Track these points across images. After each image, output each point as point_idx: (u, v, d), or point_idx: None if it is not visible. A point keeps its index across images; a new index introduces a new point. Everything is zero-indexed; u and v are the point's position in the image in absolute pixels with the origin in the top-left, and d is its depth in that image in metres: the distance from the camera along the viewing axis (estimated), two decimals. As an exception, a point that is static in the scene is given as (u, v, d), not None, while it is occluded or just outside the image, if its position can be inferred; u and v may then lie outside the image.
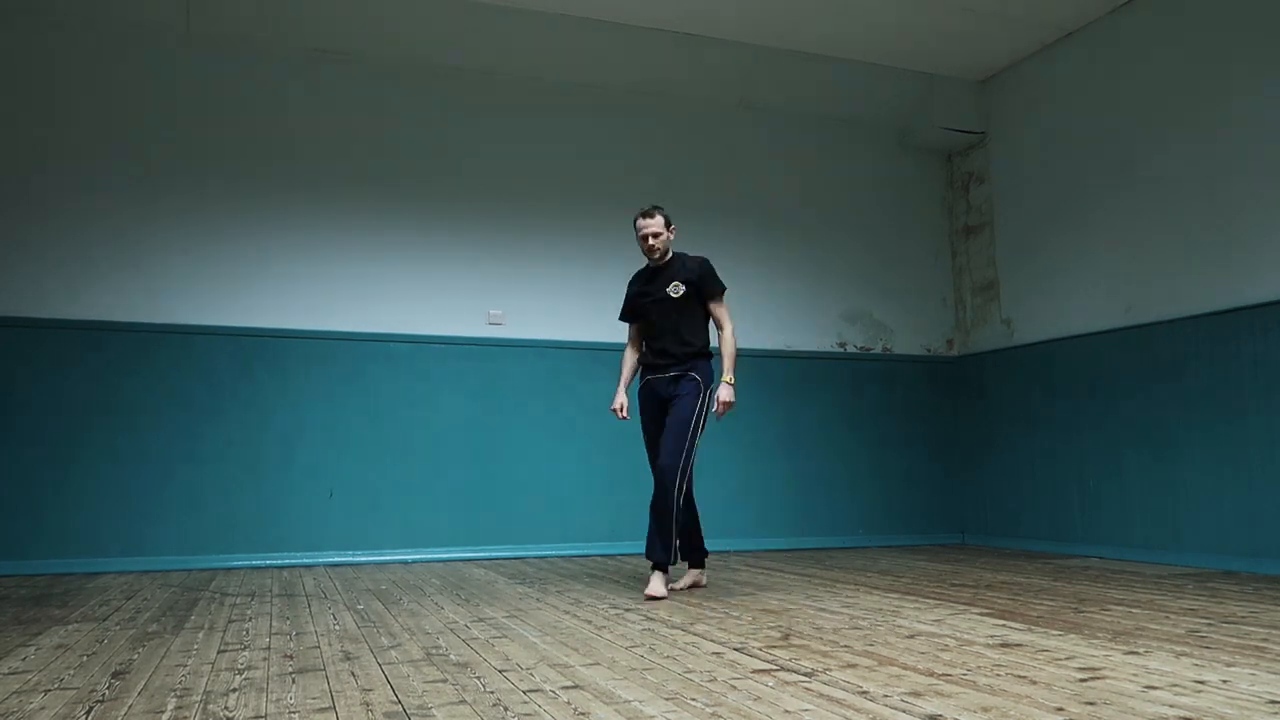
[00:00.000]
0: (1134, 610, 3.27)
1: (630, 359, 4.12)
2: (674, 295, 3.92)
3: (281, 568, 4.97)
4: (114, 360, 5.00)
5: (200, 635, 2.90)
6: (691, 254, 4.07)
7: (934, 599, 3.63)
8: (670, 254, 4.03)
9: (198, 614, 3.34)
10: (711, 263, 4.02)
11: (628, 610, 3.36)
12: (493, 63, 5.81)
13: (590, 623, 3.08)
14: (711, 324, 4.02)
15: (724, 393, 3.82)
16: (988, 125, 6.54)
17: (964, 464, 6.55)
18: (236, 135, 5.39)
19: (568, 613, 3.30)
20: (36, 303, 4.92)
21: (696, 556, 4.04)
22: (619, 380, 4.11)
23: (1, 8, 5.04)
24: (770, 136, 6.49)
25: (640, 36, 5.78)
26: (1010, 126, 6.36)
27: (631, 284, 4.14)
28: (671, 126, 6.26)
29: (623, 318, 4.18)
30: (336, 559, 5.15)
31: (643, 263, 4.16)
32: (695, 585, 4.02)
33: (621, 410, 4.02)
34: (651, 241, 3.94)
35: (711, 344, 4.02)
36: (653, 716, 1.88)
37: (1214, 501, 4.75)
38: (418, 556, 5.29)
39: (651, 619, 3.15)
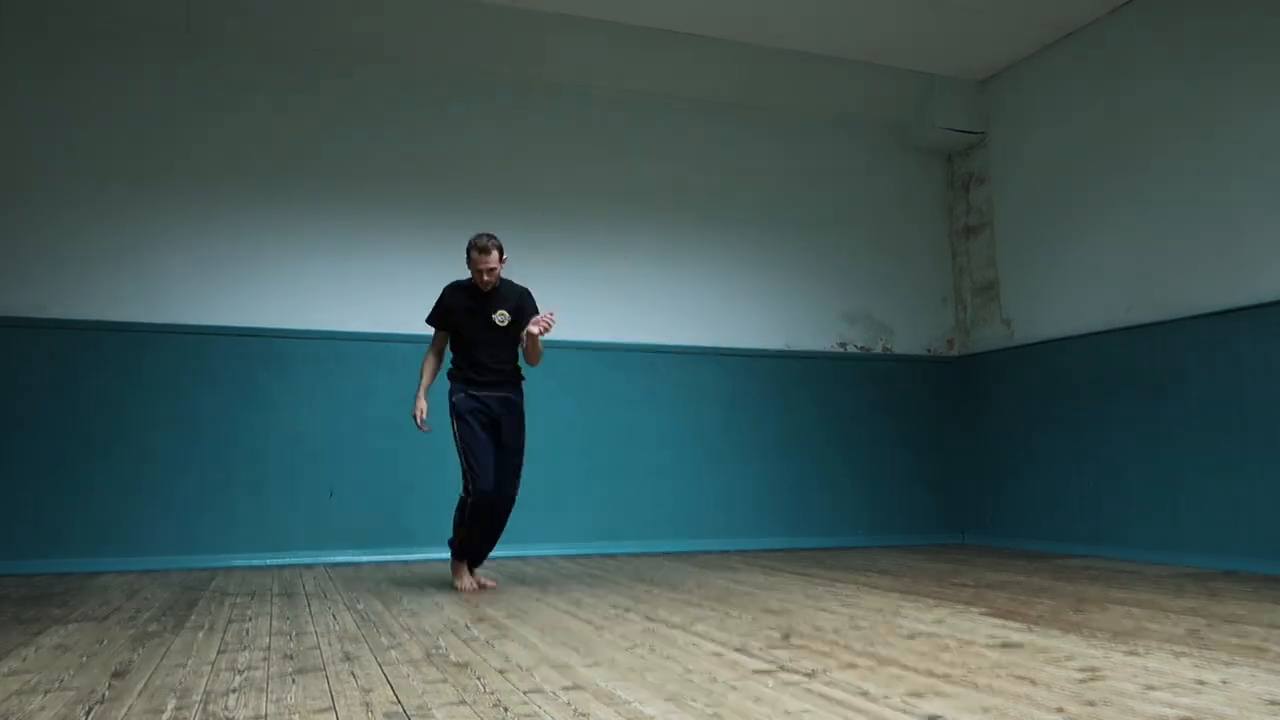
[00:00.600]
0: (1134, 610, 3.27)
1: (432, 367, 4.17)
2: (500, 324, 4.09)
3: (281, 568, 4.97)
4: (114, 360, 4.99)
5: (200, 635, 2.90)
6: (516, 282, 4.23)
7: (934, 599, 3.63)
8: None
9: (198, 614, 3.34)
10: (533, 296, 4.22)
11: (628, 610, 3.36)
12: (492, 63, 5.81)
13: (590, 623, 3.08)
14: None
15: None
16: (988, 125, 6.54)
17: (964, 464, 6.55)
18: (237, 135, 5.39)
19: (568, 613, 3.30)
20: (36, 303, 4.92)
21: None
22: (419, 386, 4.14)
23: (0, 7, 5.04)
24: (770, 136, 6.49)
25: (641, 37, 5.78)
26: (1010, 126, 6.36)
27: (451, 295, 4.16)
28: (672, 127, 6.26)
29: (432, 322, 4.19)
30: (336, 559, 5.15)
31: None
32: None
33: (421, 416, 4.07)
34: (487, 277, 4.05)
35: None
36: (653, 716, 1.88)
37: (1214, 501, 4.75)
38: (418, 556, 5.28)
39: (651, 619, 3.15)
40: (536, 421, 5.70)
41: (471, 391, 4.06)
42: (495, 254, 4.04)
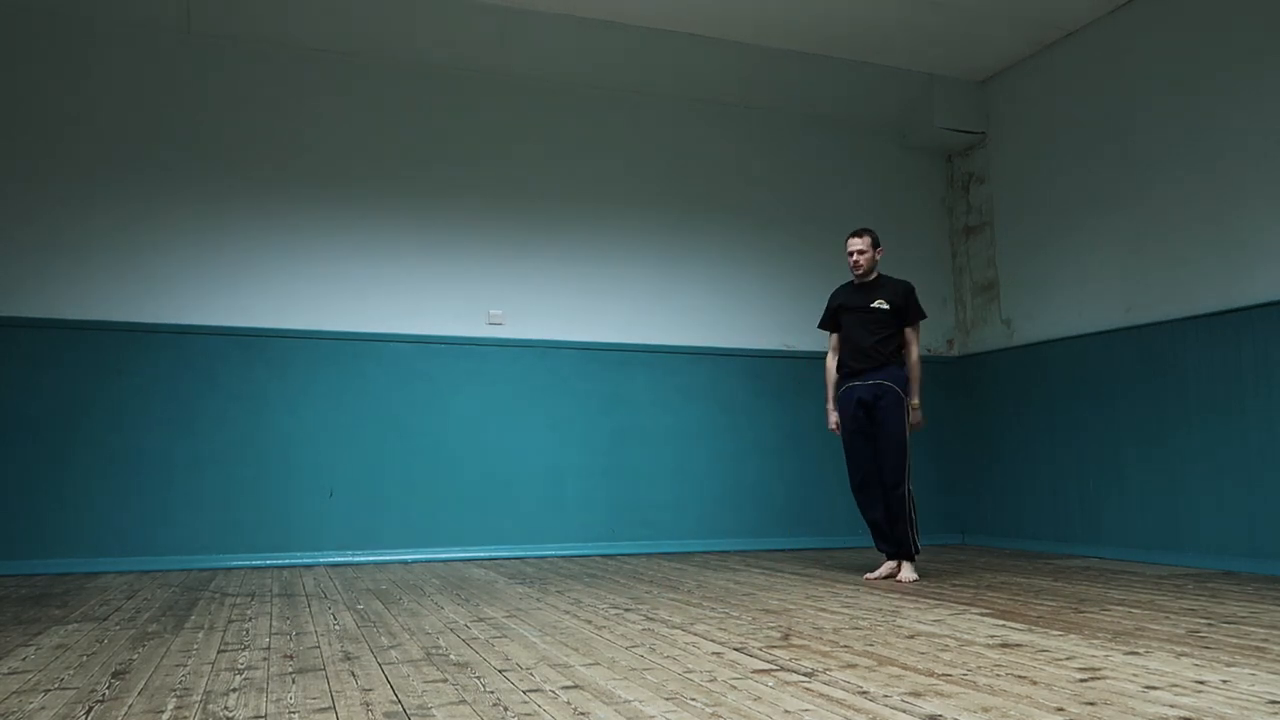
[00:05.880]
0: (1134, 610, 3.27)
1: (831, 370, 4.55)
2: (876, 309, 4.38)
3: (281, 568, 4.97)
4: (114, 360, 4.99)
5: (200, 635, 2.90)
6: (896, 277, 4.49)
7: (934, 599, 3.63)
8: (875, 273, 4.47)
9: (198, 614, 3.34)
10: (915, 292, 4.46)
11: (628, 610, 3.36)
12: (493, 62, 5.81)
13: (590, 623, 3.08)
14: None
15: (914, 417, 4.36)
16: (988, 125, 6.54)
17: (964, 464, 6.55)
18: (236, 135, 5.39)
19: (568, 613, 3.30)
20: (37, 303, 4.92)
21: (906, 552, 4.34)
22: (826, 397, 4.57)
23: (0, 7, 5.04)
24: (770, 136, 6.49)
25: (640, 36, 5.78)
26: (1010, 126, 6.36)
27: (835, 296, 4.59)
28: (671, 126, 6.26)
29: (823, 325, 4.65)
30: (336, 559, 5.15)
31: (847, 277, 4.55)
32: (891, 576, 4.33)
33: (837, 428, 4.47)
34: (857, 258, 4.39)
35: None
36: (653, 716, 1.88)
37: (1214, 501, 4.75)
38: (418, 556, 5.29)
39: (651, 619, 3.15)
40: (536, 422, 5.74)
41: (847, 384, 4.41)
42: (865, 239, 4.39)
